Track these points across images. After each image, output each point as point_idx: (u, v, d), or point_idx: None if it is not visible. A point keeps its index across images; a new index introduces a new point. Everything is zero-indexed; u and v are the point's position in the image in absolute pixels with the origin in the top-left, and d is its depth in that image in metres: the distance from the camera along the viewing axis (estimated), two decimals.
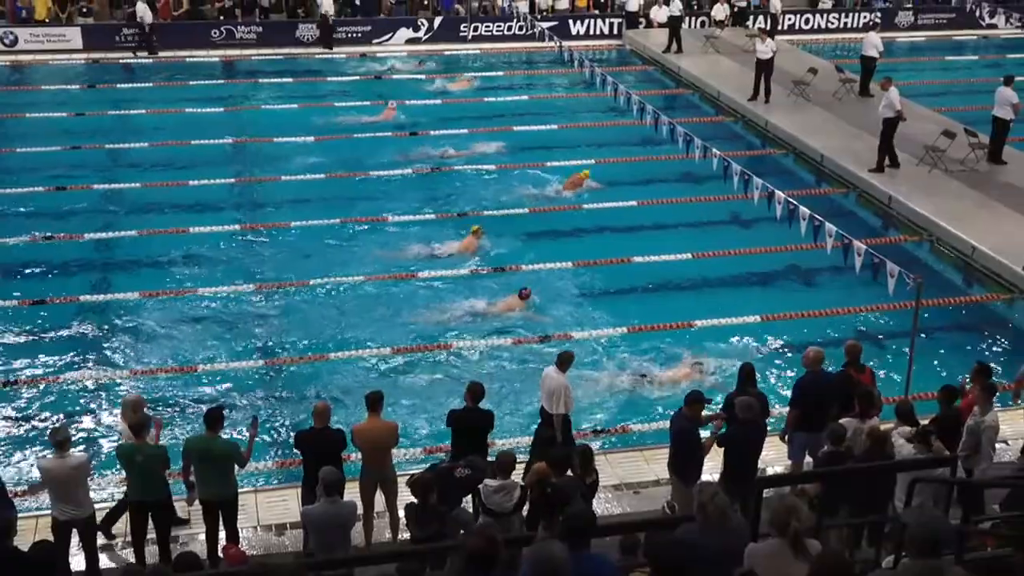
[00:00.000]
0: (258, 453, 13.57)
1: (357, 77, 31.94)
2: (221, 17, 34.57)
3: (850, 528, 10.51)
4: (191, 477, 10.88)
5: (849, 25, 38.00)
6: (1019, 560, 5.81)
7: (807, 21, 37.92)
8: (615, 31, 36.44)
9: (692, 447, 11.33)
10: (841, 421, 11.11)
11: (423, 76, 32.31)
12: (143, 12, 32.86)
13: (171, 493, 11.07)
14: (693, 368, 15.61)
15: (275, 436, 14.18)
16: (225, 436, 11.30)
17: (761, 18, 36.32)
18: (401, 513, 10.77)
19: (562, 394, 12.19)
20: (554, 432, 12.19)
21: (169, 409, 14.67)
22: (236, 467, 11.03)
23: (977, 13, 37.51)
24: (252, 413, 13.51)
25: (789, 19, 37.24)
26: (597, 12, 37.13)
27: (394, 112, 27.66)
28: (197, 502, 10.99)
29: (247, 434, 11.72)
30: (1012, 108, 22.36)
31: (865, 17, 37.59)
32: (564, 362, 12.38)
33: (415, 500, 9.99)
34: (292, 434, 12.23)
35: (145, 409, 11.71)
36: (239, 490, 11.39)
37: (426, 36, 35.24)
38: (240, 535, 11.27)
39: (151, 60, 32.99)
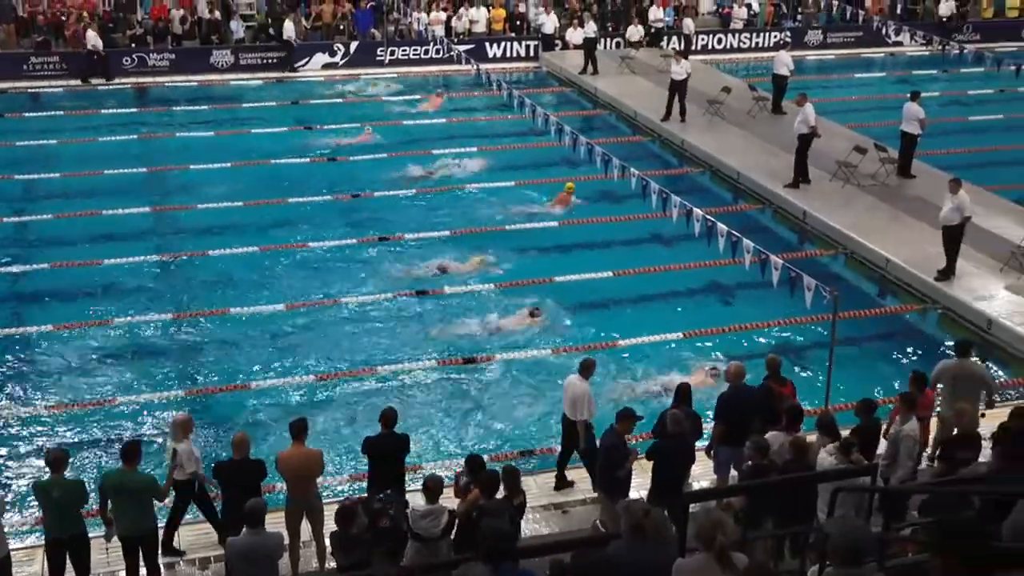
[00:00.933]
0: None
1: (273, 103, 31.67)
2: (133, 45, 34.05)
3: (775, 540, 10.62)
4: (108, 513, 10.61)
5: (761, 44, 38.61)
6: (934, 565, 5.90)
7: (720, 41, 38.50)
8: (532, 53, 36.62)
9: (620, 463, 11.39)
10: (767, 435, 11.25)
11: (341, 100, 32.20)
12: (94, 39, 32.52)
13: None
14: (709, 374, 15.89)
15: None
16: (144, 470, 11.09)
17: (675, 39, 36.79)
18: (327, 542, 10.65)
19: (585, 400, 12.43)
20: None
21: (87, 444, 14.36)
22: (156, 501, 10.81)
23: (884, 31, 38.44)
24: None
25: (702, 39, 37.78)
26: (513, 35, 37.31)
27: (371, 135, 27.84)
28: (116, 539, 10.72)
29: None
30: (919, 123, 22.94)
31: (776, 36, 38.30)
32: (586, 369, 12.67)
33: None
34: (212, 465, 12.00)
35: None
36: (159, 524, 11.17)
37: (343, 61, 35.08)
38: (162, 570, 11.04)
39: (108, 87, 32.80)
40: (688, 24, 35.58)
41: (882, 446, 11.88)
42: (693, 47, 35.62)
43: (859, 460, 10.39)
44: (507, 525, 9.01)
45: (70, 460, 11.10)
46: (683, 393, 12.23)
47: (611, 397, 15.33)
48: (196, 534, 12.04)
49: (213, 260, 20.26)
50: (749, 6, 39.17)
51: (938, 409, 13.36)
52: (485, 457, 11.69)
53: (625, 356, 16.91)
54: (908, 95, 23.62)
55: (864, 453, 10.88)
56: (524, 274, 19.62)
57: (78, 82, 32.42)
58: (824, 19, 40.38)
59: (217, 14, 35.29)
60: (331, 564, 11.01)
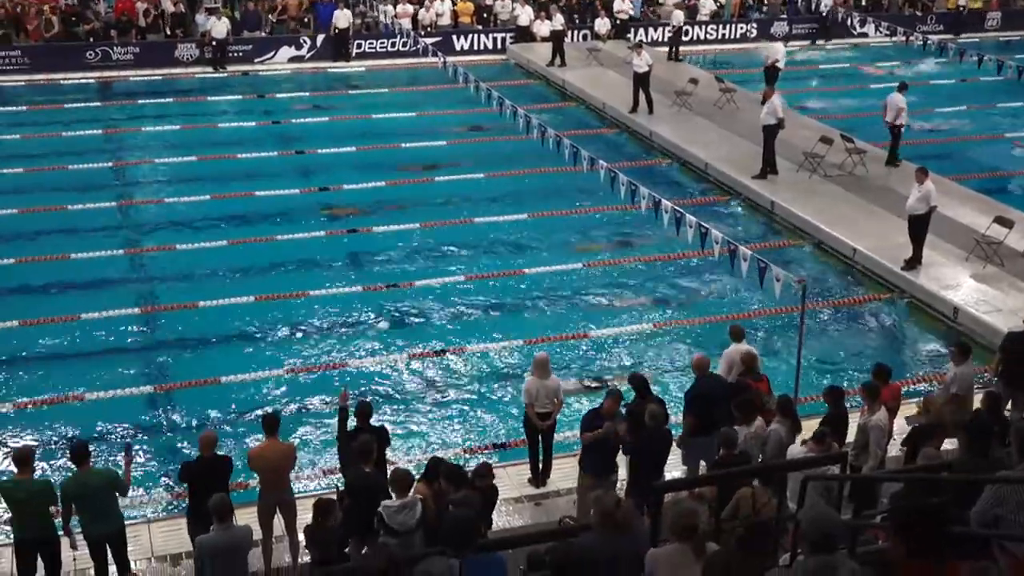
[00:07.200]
0: (151, 483, 13.33)
1: (240, 96, 31.47)
2: (91, 39, 33.63)
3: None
4: (71, 520, 10.41)
5: (728, 36, 38.82)
6: (892, 548, 5.98)
7: (686, 32, 38.55)
8: (499, 46, 36.55)
9: (603, 443, 11.55)
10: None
11: (306, 93, 32.05)
12: (213, 26, 32.86)
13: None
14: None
15: (170, 464, 13.82)
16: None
17: (642, 31, 36.82)
18: (301, 536, 10.62)
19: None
20: None
21: (54, 441, 14.21)
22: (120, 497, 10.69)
23: (848, 22, 38.69)
24: (126, 441, 13.10)
25: (668, 31, 37.73)
26: (480, 27, 37.23)
27: None
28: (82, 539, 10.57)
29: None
30: (901, 113, 23.10)
31: (742, 28, 38.59)
32: (737, 334, 13.48)
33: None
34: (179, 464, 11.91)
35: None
36: (130, 521, 11.07)
37: (309, 54, 34.88)
38: (133, 566, 10.95)
39: (221, 75, 33.19)
40: (678, 16, 35.37)
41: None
42: (682, 38, 35.65)
43: (831, 447, 10.45)
44: (471, 514, 8.96)
45: (36, 458, 10.95)
46: (642, 383, 12.26)
47: (583, 387, 15.47)
48: (166, 532, 11.98)
49: (181, 254, 20.11)
50: None
51: None
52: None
53: (596, 348, 16.98)
54: (896, 85, 23.86)
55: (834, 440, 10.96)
56: (494, 267, 19.80)
57: (40, 76, 32.03)
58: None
59: (182, 7, 34.97)
60: (305, 559, 11.00)
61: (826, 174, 23.22)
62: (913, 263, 18.59)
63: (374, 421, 11.56)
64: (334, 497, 10.33)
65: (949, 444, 11.64)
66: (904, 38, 35.59)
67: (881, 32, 37.62)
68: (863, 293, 19.06)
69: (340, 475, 11.77)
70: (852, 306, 18.66)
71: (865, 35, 39.00)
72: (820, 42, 38.97)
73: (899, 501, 9.52)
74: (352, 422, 11.27)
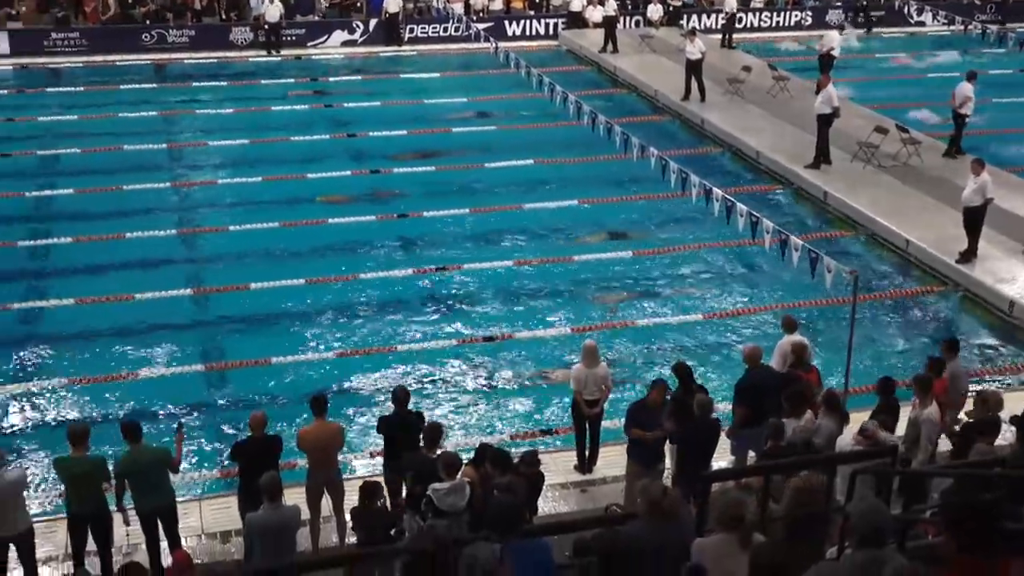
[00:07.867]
0: (202, 461, 13.50)
1: (293, 80, 31.69)
2: (147, 22, 34.00)
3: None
4: (124, 496, 10.57)
5: (781, 24, 38.47)
6: (943, 543, 5.93)
7: (740, 20, 38.22)
8: (551, 31, 36.48)
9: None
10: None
11: (359, 76, 32.21)
12: (267, 10, 33.17)
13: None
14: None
15: (220, 443, 13.99)
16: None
17: (701, 17, 36.56)
18: (348, 517, 10.71)
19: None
20: None
21: (108, 418, 14.39)
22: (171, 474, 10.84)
23: (905, 11, 38.16)
24: (178, 419, 13.24)
25: (720, 18, 37.39)
26: (533, 13, 37.17)
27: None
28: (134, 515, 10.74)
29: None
30: (968, 102, 22.76)
31: (796, 16, 38.20)
32: (790, 325, 13.46)
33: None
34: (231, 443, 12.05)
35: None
36: (181, 498, 11.22)
37: (362, 38, 35.03)
38: (183, 543, 11.11)
39: (274, 58, 33.47)
40: (731, 3, 34.92)
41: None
42: (736, 25, 35.26)
43: (887, 440, 10.32)
44: (513, 499, 8.99)
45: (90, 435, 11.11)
46: (686, 372, 12.17)
47: (628, 378, 15.44)
48: (216, 509, 12.14)
49: (233, 235, 20.33)
50: None
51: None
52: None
53: (643, 337, 16.93)
54: (964, 75, 23.60)
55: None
56: (543, 252, 19.78)
57: (98, 57, 32.45)
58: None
59: None
60: (351, 540, 11.10)
61: (880, 164, 22.94)
62: (968, 256, 18.34)
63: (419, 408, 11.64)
64: (380, 480, 10.40)
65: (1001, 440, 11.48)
66: (963, 27, 35.02)
67: (939, 21, 37.06)
68: (916, 285, 18.84)
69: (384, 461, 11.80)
70: (905, 298, 18.45)
71: (922, 24, 38.46)
72: (876, 30, 38.46)
73: (950, 496, 9.43)
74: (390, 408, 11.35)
